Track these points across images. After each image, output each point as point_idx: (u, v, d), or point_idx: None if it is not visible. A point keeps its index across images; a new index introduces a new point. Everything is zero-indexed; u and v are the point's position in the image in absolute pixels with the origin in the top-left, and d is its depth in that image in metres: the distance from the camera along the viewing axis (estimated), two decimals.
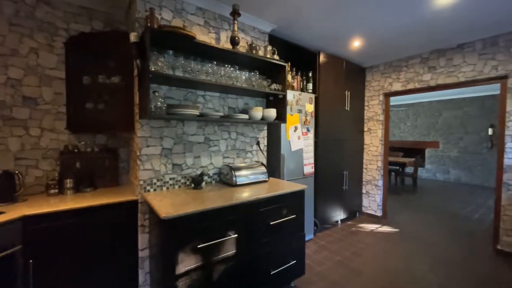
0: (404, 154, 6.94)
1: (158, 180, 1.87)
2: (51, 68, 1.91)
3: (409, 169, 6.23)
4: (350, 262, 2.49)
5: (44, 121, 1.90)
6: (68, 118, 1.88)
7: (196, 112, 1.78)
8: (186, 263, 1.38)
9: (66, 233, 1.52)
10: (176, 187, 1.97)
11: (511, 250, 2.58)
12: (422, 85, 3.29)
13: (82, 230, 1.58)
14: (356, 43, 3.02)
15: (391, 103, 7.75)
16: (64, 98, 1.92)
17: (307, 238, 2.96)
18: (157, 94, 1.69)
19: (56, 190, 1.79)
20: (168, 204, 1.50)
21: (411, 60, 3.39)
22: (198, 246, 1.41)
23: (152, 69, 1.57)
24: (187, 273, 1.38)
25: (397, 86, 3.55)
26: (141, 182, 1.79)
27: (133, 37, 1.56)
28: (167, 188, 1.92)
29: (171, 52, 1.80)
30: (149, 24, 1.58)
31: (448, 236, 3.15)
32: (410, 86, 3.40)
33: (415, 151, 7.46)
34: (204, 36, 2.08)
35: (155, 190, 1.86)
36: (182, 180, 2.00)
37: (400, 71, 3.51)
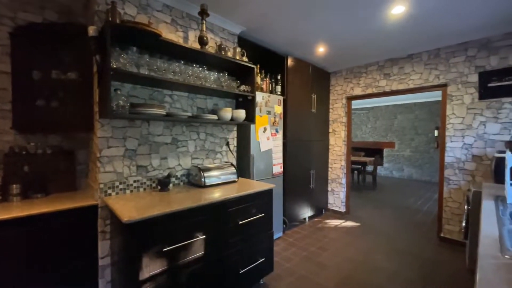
0: (365, 154, 7.48)
1: (120, 183, 1.78)
2: None
3: (369, 168, 6.75)
4: (316, 256, 2.63)
5: None
6: (14, 117, 1.68)
7: (163, 111, 1.73)
8: (151, 267, 1.34)
9: (10, 245, 1.37)
10: (141, 189, 1.89)
11: (452, 236, 2.94)
12: (379, 90, 3.60)
13: (30, 241, 1.43)
14: (321, 49, 3.20)
15: (354, 107, 8.35)
16: (10, 95, 1.73)
17: (276, 236, 3.04)
18: (119, 92, 1.61)
19: None
20: (132, 207, 1.44)
21: (370, 67, 3.70)
22: (164, 250, 1.37)
23: (114, 66, 1.49)
24: (152, 278, 1.34)
25: (357, 91, 3.84)
26: (101, 186, 1.69)
27: (91, 31, 1.47)
28: (131, 191, 1.83)
29: (135, 49, 1.72)
30: (110, 19, 1.50)
31: (401, 227, 3.48)
32: (369, 91, 3.70)
33: (375, 151, 8.11)
34: (171, 35, 2.04)
35: (117, 193, 1.76)
36: (148, 183, 1.93)
37: (360, 77, 3.80)
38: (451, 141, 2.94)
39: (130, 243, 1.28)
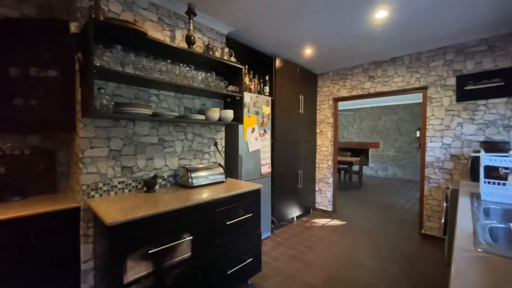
0: (351, 154, 7.66)
1: (104, 185, 1.73)
2: None
3: (355, 167, 6.92)
4: (304, 255, 2.66)
5: None
6: None
7: (149, 111, 1.70)
8: (136, 270, 1.31)
9: None
10: (126, 191, 1.84)
11: (432, 233, 3.07)
12: (364, 92, 3.70)
13: (4, 247, 1.36)
14: (308, 51, 3.25)
15: (340, 108, 8.53)
16: None
17: (264, 236, 3.06)
18: (103, 91, 1.57)
19: None
20: (116, 209, 1.40)
21: (355, 69, 3.79)
22: (150, 252, 1.35)
23: (97, 64, 1.45)
24: (137, 281, 1.31)
25: (343, 92, 3.93)
26: (84, 187, 1.63)
27: (73, 27, 1.42)
28: (116, 192, 1.79)
29: (119, 47, 1.69)
30: (93, 16, 1.46)
31: (385, 225, 3.60)
32: (355, 92, 3.80)
33: (361, 151, 8.32)
34: (158, 33, 2.01)
35: (101, 195, 1.71)
36: (133, 184, 1.89)
37: (346, 79, 3.90)
38: (431, 142, 3.07)
39: (114, 246, 1.25)
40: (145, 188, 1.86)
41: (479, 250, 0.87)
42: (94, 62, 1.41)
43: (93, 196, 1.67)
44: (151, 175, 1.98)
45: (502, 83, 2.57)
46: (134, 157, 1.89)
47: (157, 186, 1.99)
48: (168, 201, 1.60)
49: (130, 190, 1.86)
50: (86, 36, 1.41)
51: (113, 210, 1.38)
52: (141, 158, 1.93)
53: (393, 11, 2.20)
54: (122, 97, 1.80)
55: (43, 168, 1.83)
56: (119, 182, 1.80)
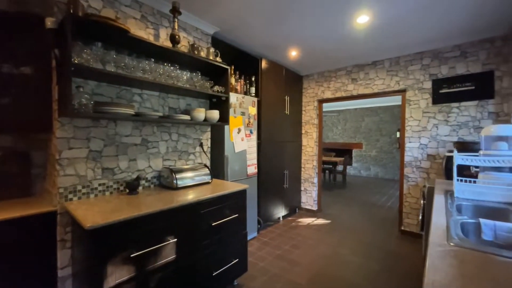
0: (335, 154, 7.85)
1: (84, 187, 1.66)
2: None
3: (340, 167, 7.09)
4: (289, 254, 2.69)
5: None
6: None
7: (131, 111, 1.65)
8: (118, 275, 1.27)
9: None
10: (107, 193, 1.78)
11: (411, 229, 3.22)
12: (347, 94, 3.81)
13: None
14: (293, 53, 3.30)
15: (325, 109, 8.71)
16: None
17: (251, 236, 3.06)
18: (82, 89, 1.51)
19: None
20: (96, 212, 1.35)
21: (339, 72, 3.90)
22: (132, 255, 1.31)
23: (75, 62, 1.39)
24: (118, 286, 1.27)
25: (328, 94, 4.02)
26: (61, 190, 1.56)
27: (49, 22, 1.36)
28: (96, 195, 1.72)
29: (100, 44, 1.62)
30: (71, 11, 1.40)
31: (367, 222, 3.72)
32: (338, 94, 3.90)
33: (345, 152, 8.55)
34: (141, 31, 1.96)
35: (79, 198, 1.64)
36: (115, 186, 1.82)
37: (330, 81, 3.99)
38: (410, 142, 3.21)
39: (93, 251, 1.21)
40: (127, 190, 1.81)
41: (451, 244, 0.93)
42: (72, 59, 1.35)
43: (71, 199, 1.60)
44: (134, 176, 1.92)
45: (473, 87, 2.75)
46: (115, 158, 1.83)
47: (140, 188, 1.94)
48: (151, 203, 1.56)
49: (111, 193, 1.80)
50: (63, 32, 1.35)
51: (93, 214, 1.32)
52: (123, 159, 1.87)
53: (374, 16, 2.29)
54: (102, 96, 1.74)
55: (16, 170, 1.73)
56: (99, 184, 1.74)
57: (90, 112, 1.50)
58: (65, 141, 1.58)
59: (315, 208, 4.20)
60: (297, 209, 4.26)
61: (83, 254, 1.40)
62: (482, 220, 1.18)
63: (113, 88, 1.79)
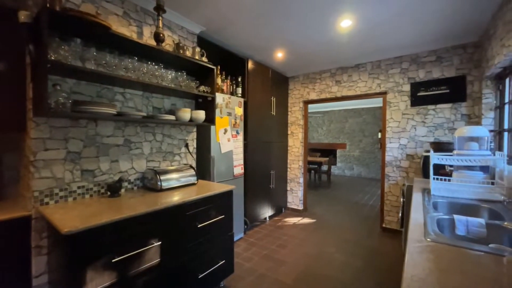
0: (320, 154, 8.00)
1: (61, 190, 1.58)
2: None
3: (324, 167, 7.24)
4: (276, 254, 2.71)
5: None
6: None
7: (113, 111, 1.60)
8: (98, 281, 1.22)
9: None
10: (87, 196, 1.71)
11: (392, 226, 3.34)
12: (331, 96, 3.90)
13: None
14: (279, 54, 3.33)
15: (311, 110, 8.87)
16: None
17: (237, 237, 3.05)
18: (59, 87, 1.43)
19: None
20: (74, 216, 1.29)
21: (323, 74, 3.98)
22: (113, 260, 1.26)
23: (52, 58, 1.33)
24: None
25: (313, 95, 4.10)
26: (36, 194, 1.48)
27: (23, 16, 1.28)
28: (74, 198, 1.64)
29: (79, 40, 1.55)
30: (48, 5, 1.33)
31: (351, 221, 3.83)
32: (323, 95, 3.99)
33: (329, 152, 8.75)
34: (123, 28, 1.90)
35: (56, 202, 1.56)
36: (95, 188, 1.75)
37: (315, 83, 4.07)
38: (390, 142, 3.35)
39: (71, 257, 1.15)
40: (109, 193, 1.74)
41: (428, 240, 0.98)
42: (49, 56, 1.28)
43: (47, 203, 1.52)
44: (116, 178, 1.86)
45: (448, 91, 2.91)
46: (96, 159, 1.76)
47: (122, 190, 1.88)
48: (134, 205, 1.51)
49: (91, 196, 1.73)
50: (39, 27, 1.28)
51: (71, 218, 1.26)
52: (105, 161, 1.80)
53: (356, 21, 2.36)
54: (82, 94, 1.66)
55: None
56: (78, 187, 1.66)
57: (68, 112, 1.43)
58: (40, 142, 1.49)
59: (301, 207, 4.26)
60: (283, 209, 4.30)
61: (60, 260, 1.33)
62: (456, 216, 1.26)
63: (93, 87, 1.72)
